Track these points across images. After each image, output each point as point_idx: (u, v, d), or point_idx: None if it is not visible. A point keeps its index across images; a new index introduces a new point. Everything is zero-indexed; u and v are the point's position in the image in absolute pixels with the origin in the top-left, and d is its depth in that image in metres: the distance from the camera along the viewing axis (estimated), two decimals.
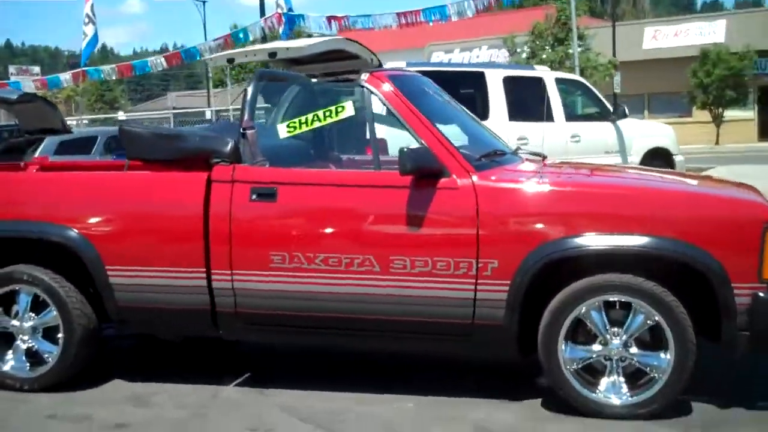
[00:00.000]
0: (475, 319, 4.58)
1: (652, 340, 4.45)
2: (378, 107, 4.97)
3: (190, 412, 4.78)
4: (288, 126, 4.94)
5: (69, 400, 5.00)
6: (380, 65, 9.40)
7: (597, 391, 4.49)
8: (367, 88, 4.84)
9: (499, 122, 10.90)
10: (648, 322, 4.41)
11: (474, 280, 4.52)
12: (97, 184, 5.13)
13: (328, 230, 4.73)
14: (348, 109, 4.82)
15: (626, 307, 4.44)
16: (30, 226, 5.11)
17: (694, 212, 4.45)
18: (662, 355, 4.40)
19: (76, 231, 5.00)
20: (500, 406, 4.72)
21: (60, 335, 5.09)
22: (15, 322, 5.18)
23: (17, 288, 5.13)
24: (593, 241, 4.40)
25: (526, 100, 11.36)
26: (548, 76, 12.06)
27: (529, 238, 4.46)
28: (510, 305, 4.50)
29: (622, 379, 4.47)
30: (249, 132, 4.96)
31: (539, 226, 4.48)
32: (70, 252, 5.02)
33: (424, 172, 4.57)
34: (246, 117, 4.97)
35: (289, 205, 4.80)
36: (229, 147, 4.89)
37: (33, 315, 5.15)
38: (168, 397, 5.03)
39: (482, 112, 10.56)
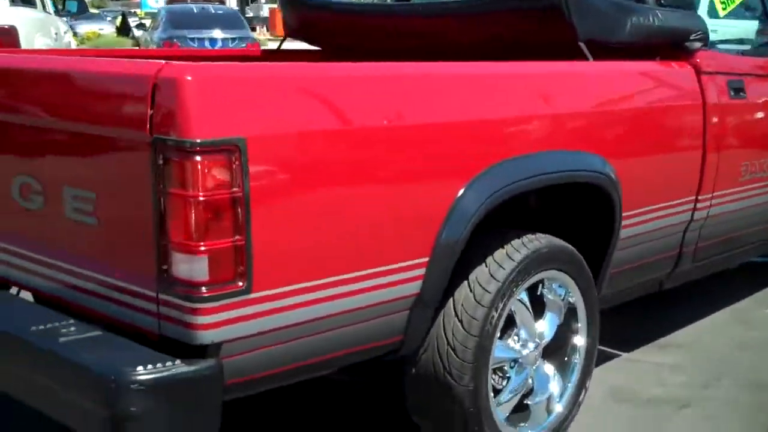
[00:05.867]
0: None
1: None
2: None
3: None
4: (721, 2, 3.84)
5: None
6: None
7: None
8: None
9: None
10: None
11: None
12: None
13: None
14: None
15: None
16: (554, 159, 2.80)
17: None
18: None
19: (606, 162, 2.99)
20: None
21: (574, 374, 3.02)
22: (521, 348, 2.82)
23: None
24: None
25: None
26: None
27: None
28: None
29: None
30: None
31: None
32: (596, 199, 2.99)
33: None
34: None
35: (755, 101, 3.83)
36: (704, 25, 3.56)
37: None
38: None
39: None
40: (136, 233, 2.05)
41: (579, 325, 3.03)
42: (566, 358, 3.03)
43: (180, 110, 1.89)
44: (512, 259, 2.68)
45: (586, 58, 3.18)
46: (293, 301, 2.11)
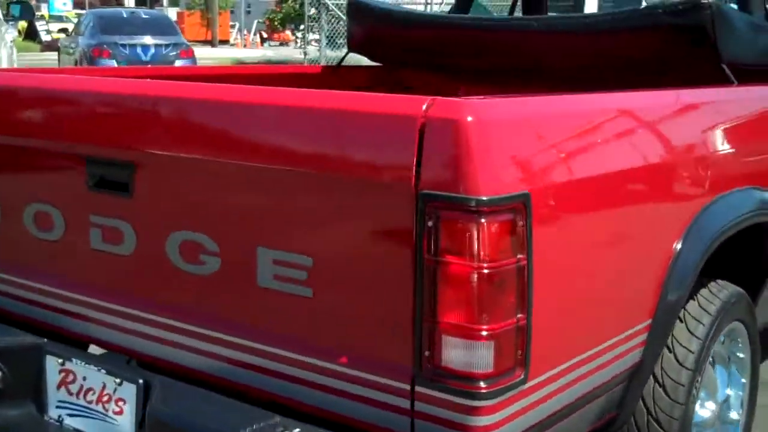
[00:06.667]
0: None
1: None
2: None
3: None
4: None
5: None
6: None
7: None
8: None
9: None
10: None
11: None
12: None
13: None
14: None
15: None
16: None
17: None
18: None
19: None
20: None
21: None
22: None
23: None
24: None
25: None
26: None
27: None
28: None
29: None
30: None
31: None
32: None
33: None
34: None
35: None
36: None
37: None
38: None
39: None
40: (379, 310, 1.64)
41: (742, 379, 2.74)
42: (721, 413, 2.74)
43: (460, 159, 1.50)
44: (708, 313, 2.36)
45: (727, 82, 2.90)
46: (556, 386, 1.73)
